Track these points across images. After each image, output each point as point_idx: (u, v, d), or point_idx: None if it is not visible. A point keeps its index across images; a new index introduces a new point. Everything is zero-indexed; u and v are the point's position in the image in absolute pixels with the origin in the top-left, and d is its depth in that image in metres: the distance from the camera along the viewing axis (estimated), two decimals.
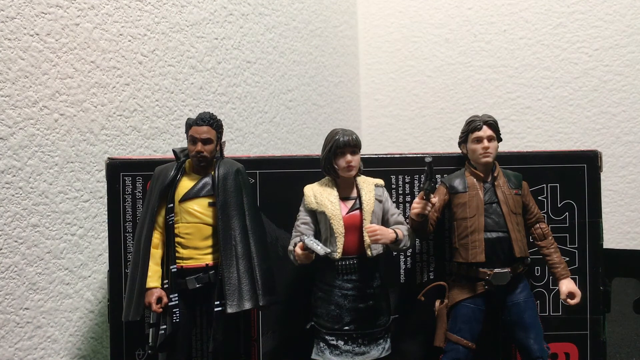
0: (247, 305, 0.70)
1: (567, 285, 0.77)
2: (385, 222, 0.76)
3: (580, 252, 0.85)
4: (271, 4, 1.42)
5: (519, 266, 0.77)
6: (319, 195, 0.74)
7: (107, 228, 0.83)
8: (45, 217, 0.84)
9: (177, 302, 0.72)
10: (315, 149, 1.57)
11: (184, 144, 0.77)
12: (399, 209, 0.83)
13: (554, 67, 1.69)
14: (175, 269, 0.72)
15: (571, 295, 0.76)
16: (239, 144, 1.29)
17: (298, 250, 0.70)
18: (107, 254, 0.86)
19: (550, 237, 0.79)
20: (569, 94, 1.68)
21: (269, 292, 0.73)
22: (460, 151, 0.82)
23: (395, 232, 0.73)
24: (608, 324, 0.87)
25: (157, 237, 0.74)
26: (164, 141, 1.07)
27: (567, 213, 0.85)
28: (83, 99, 0.90)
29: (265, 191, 0.84)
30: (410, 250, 0.85)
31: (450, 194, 0.79)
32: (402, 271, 0.85)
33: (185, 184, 0.75)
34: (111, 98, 0.95)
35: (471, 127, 0.78)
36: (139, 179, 0.83)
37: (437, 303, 0.79)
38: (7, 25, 0.78)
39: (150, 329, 0.74)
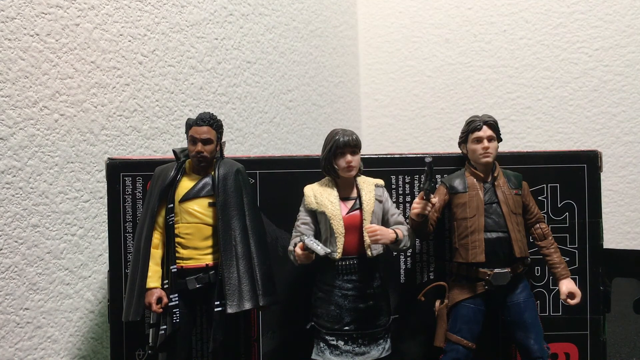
0: (247, 306, 0.70)
1: (567, 285, 0.77)
2: (385, 222, 0.76)
3: (580, 252, 0.85)
4: (271, 4, 1.42)
5: (519, 266, 0.77)
6: (319, 195, 0.74)
7: (107, 228, 0.83)
8: (45, 217, 0.84)
9: (177, 302, 0.72)
10: (315, 149, 1.57)
11: (184, 144, 0.77)
12: (399, 209, 0.83)
13: (554, 67, 1.69)
14: (175, 269, 0.73)
15: (571, 295, 0.76)
16: (239, 144, 1.29)
17: (298, 250, 0.70)
18: (107, 254, 0.86)
19: (550, 237, 0.79)
20: (569, 94, 1.68)
21: (269, 292, 0.73)
22: (460, 151, 0.82)
23: (396, 232, 0.73)
24: (608, 324, 0.87)
25: (157, 238, 0.74)
26: (164, 141, 1.07)
27: (567, 213, 0.85)
28: (83, 99, 0.90)
29: (265, 191, 0.84)
30: (410, 250, 0.85)
31: (450, 194, 0.79)
32: (402, 271, 0.85)
33: (186, 184, 0.75)
34: (111, 98, 0.95)
35: (471, 127, 0.78)
36: (139, 179, 0.83)
37: (437, 303, 0.79)
38: (7, 25, 0.78)
39: (151, 329, 0.74)
